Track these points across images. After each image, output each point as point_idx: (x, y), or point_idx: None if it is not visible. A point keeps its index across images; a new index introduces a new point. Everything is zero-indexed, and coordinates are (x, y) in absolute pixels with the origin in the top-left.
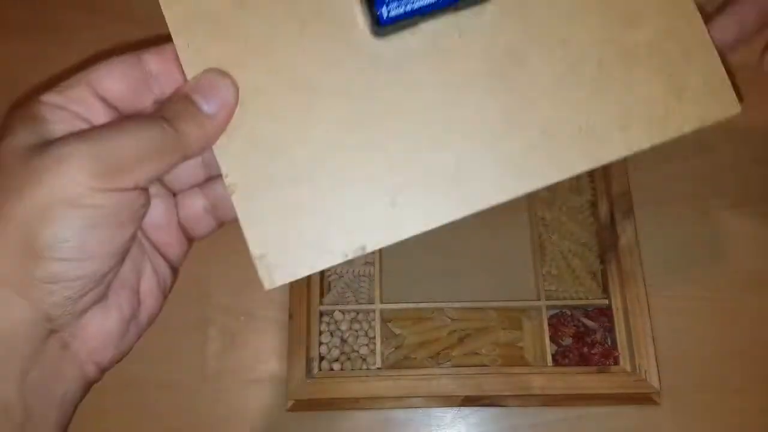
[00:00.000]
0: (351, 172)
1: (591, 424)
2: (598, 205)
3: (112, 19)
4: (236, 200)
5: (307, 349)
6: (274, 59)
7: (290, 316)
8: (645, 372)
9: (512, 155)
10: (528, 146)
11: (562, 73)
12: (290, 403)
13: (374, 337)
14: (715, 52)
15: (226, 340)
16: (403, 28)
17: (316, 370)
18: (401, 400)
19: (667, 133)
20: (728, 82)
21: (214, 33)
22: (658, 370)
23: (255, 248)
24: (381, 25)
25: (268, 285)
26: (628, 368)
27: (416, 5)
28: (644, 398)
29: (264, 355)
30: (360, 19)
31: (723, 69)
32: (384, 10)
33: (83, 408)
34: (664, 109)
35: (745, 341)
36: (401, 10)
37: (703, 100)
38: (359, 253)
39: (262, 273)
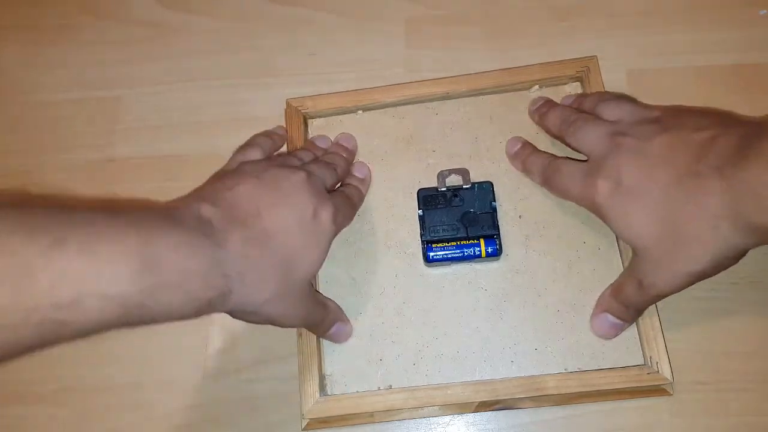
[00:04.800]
0: (390, 343)
1: (605, 418)
2: None
3: (113, 19)
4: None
5: (319, 366)
6: (368, 261)
7: (299, 334)
8: (657, 364)
9: (492, 353)
10: (500, 349)
11: (534, 314)
12: (305, 422)
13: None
14: (635, 325)
15: (228, 341)
16: (442, 264)
17: (329, 387)
18: (417, 411)
19: (591, 365)
20: (638, 343)
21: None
22: (669, 362)
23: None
24: (428, 261)
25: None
26: (640, 361)
27: (448, 256)
28: (657, 390)
29: (266, 356)
30: (420, 255)
31: (637, 332)
32: (430, 254)
33: (85, 408)
34: (593, 350)
35: (752, 337)
36: (440, 256)
37: (619, 350)
38: (387, 387)
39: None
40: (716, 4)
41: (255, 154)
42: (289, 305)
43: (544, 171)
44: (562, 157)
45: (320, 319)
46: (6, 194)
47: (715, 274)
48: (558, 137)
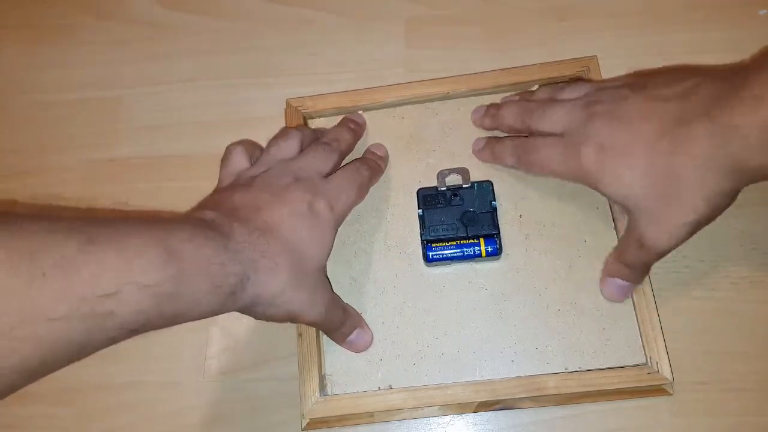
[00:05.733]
0: (390, 343)
1: (605, 418)
2: None
3: (113, 19)
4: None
5: (319, 366)
6: (368, 261)
7: (299, 334)
8: (657, 364)
9: (492, 353)
10: (500, 349)
11: (533, 313)
12: (305, 422)
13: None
14: (635, 321)
15: (228, 341)
16: (442, 263)
17: (329, 387)
18: (417, 411)
19: (592, 365)
20: (640, 342)
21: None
22: (669, 362)
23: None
24: (428, 261)
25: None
26: (641, 361)
27: (448, 255)
28: (657, 390)
29: (266, 356)
30: (420, 255)
31: (638, 331)
32: (430, 254)
33: (84, 407)
34: (594, 349)
35: (752, 337)
36: (439, 255)
37: (621, 349)
38: (387, 387)
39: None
40: (716, 4)
41: (240, 161)
42: (306, 297)
43: (516, 151)
44: (528, 136)
45: (339, 321)
46: (30, 206)
47: (713, 219)
48: (521, 129)
